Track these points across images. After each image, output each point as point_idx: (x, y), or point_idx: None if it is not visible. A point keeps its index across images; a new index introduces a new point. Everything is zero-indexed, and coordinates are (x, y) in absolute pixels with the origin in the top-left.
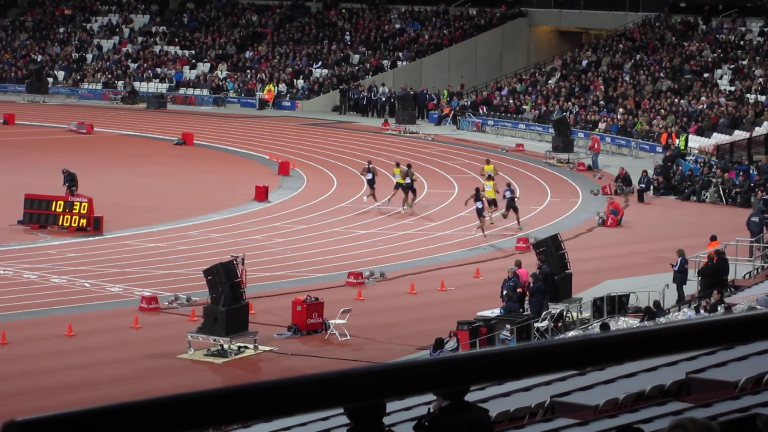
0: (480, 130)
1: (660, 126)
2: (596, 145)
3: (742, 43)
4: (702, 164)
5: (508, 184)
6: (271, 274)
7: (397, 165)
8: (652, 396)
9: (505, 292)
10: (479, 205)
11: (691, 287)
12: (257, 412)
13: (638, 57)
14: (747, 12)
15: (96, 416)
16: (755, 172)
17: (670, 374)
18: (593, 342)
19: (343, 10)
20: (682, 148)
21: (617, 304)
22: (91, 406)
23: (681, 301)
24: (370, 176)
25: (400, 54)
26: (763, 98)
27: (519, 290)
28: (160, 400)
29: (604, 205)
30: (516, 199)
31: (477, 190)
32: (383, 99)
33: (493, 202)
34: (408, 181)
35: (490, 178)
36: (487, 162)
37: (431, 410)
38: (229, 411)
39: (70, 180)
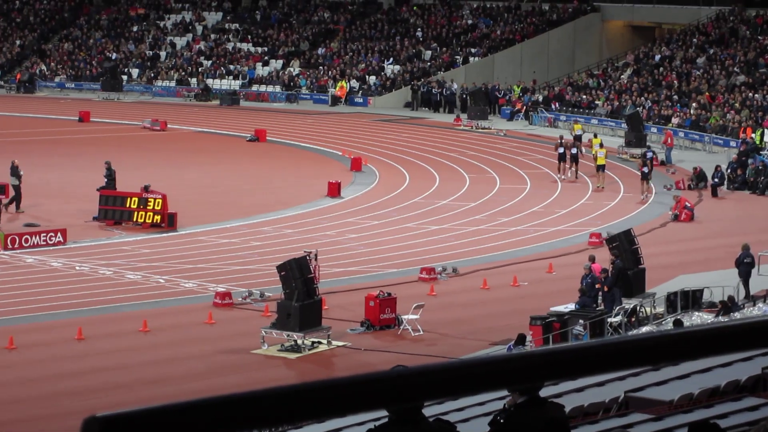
0: (552, 126)
1: (735, 121)
2: (669, 140)
3: None
4: None
5: (644, 155)
6: (344, 269)
7: (595, 135)
8: (727, 391)
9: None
10: (645, 170)
11: (761, 283)
12: (331, 410)
13: (712, 51)
14: None
15: (176, 412)
16: None
17: (745, 369)
18: (668, 338)
19: (415, 7)
20: (758, 142)
21: (691, 300)
22: (171, 402)
23: (747, 296)
24: (574, 150)
25: (472, 50)
26: None
27: (597, 286)
28: (237, 396)
29: (673, 202)
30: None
31: (644, 154)
32: (454, 94)
33: (602, 168)
34: (574, 151)
35: (601, 146)
36: (595, 135)
37: (506, 406)
38: (305, 408)
39: (108, 175)
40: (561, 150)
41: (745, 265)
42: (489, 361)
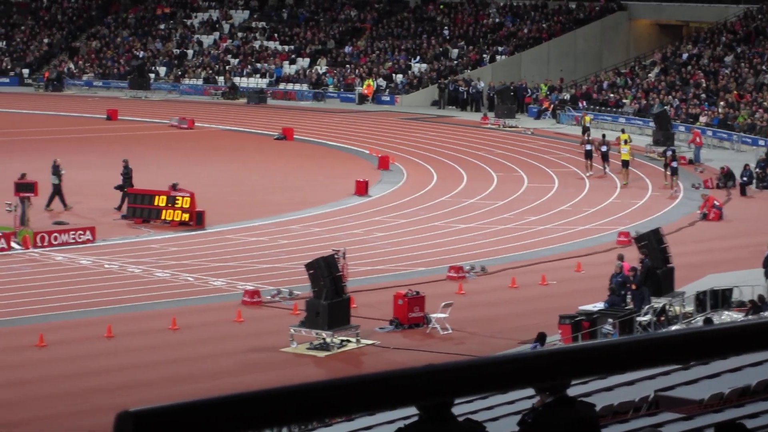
0: (579, 124)
1: (763, 119)
2: (698, 139)
3: None
4: None
5: (673, 151)
6: (372, 268)
7: (623, 131)
8: (758, 391)
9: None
10: (675, 164)
11: None
12: (363, 405)
13: (740, 50)
14: None
15: (209, 407)
16: None
17: None
18: (696, 335)
19: (442, 5)
20: None
21: (720, 299)
22: (204, 397)
23: None
24: (604, 148)
25: (499, 48)
26: None
27: (627, 285)
28: (269, 392)
29: (701, 201)
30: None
31: (673, 151)
32: (481, 93)
33: (626, 164)
34: (604, 149)
35: (626, 142)
36: (623, 131)
37: (535, 406)
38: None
39: (125, 174)
40: (588, 147)
41: None
42: (517, 358)
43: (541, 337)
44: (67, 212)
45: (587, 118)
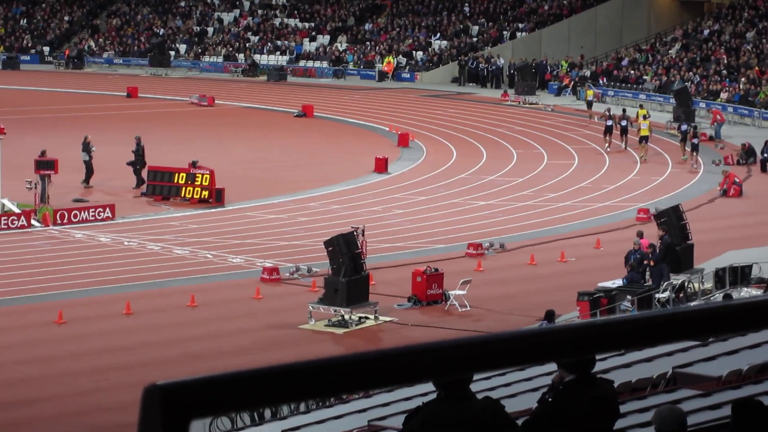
0: (600, 101)
1: None
2: (718, 117)
3: None
4: None
5: (694, 128)
6: (391, 245)
7: (641, 107)
8: None
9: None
10: (695, 141)
11: None
12: (373, 381)
13: (762, 26)
14: None
15: (240, 380)
16: None
17: None
18: (714, 310)
19: None
20: None
21: (740, 275)
22: (235, 370)
23: None
24: (624, 123)
25: (520, 25)
26: None
27: (646, 262)
28: (293, 366)
29: (721, 177)
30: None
31: (695, 127)
32: (501, 69)
33: (645, 139)
34: (623, 123)
35: (645, 117)
36: (641, 107)
37: (553, 383)
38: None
39: (137, 151)
40: (609, 123)
41: None
42: (533, 334)
43: (550, 315)
44: (86, 190)
45: (589, 92)
